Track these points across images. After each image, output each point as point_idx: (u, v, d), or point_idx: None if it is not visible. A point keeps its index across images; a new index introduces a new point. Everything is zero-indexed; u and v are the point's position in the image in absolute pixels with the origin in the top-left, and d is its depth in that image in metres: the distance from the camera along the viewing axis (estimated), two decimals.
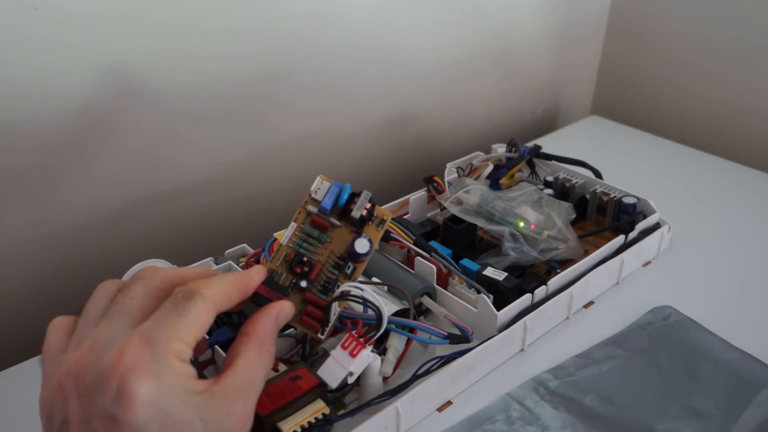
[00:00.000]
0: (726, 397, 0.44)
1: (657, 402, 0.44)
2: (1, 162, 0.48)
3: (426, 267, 0.50)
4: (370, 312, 0.45)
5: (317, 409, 0.38)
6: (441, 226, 0.57)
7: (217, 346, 0.42)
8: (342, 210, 0.38)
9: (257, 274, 0.33)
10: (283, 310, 0.33)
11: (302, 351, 0.44)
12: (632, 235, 0.57)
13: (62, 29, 0.47)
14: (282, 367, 0.40)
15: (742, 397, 0.44)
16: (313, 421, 0.37)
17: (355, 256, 0.37)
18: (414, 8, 0.69)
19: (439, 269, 0.50)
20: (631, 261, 0.56)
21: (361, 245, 0.36)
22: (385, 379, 0.42)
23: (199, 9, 0.53)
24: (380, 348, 0.44)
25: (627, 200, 0.59)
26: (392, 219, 0.55)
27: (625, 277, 0.56)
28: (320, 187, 0.38)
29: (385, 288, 0.48)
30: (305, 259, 0.36)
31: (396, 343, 0.43)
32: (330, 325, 0.35)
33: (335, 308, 0.36)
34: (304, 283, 0.36)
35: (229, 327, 0.43)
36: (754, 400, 0.44)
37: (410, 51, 0.71)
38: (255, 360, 0.30)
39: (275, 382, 0.39)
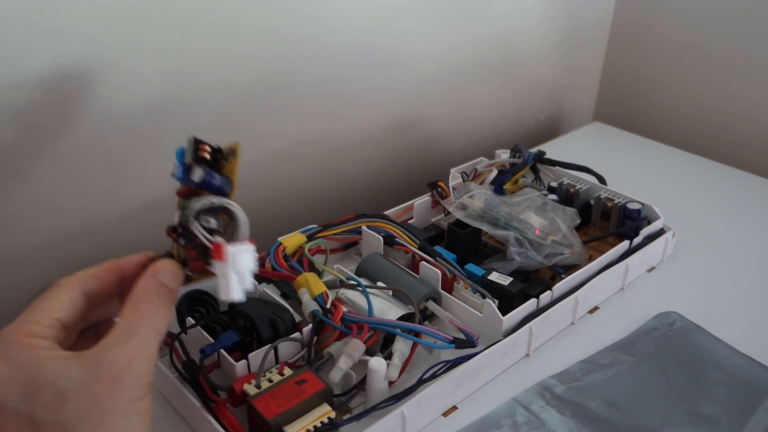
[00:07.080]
0: (733, 403, 0.44)
1: (663, 407, 0.44)
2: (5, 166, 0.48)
3: (431, 272, 0.50)
4: (375, 315, 0.45)
5: (323, 413, 0.38)
6: (446, 230, 0.57)
7: (222, 350, 0.42)
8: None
9: (134, 256, 0.34)
10: (164, 266, 0.33)
11: (308, 355, 0.43)
12: (637, 240, 0.57)
13: (65, 30, 0.47)
14: (288, 371, 0.40)
15: (749, 403, 0.44)
16: (319, 425, 0.37)
17: (202, 187, 0.36)
18: (418, 14, 0.69)
19: (444, 274, 0.50)
20: (636, 266, 0.56)
21: (195, 174, 0.36)
22: (390, 383, 0.42)
23: (205, 14, 0.53)
24: (386, 352, 0.44)
25: (631, 206, 0.59)
26: (398, 224, 0.55)
27: (630, 283, 0.56)
28: (173, 165, 0.37)
29: (390, 292, 0.48)
30: (178, 228, 0.35)
31: (402, 347, 0.43)
32: (204, 241, 0.34)
33: (197, 227, 0.34)
34: (182, 241, 0.35)
35: (234, 331, 0.43)
36: (762, 406, 0.44)
37: (414, 56, 0.71)
38: (131, 315, 0.30)
39: (281, 386, 0.39)
